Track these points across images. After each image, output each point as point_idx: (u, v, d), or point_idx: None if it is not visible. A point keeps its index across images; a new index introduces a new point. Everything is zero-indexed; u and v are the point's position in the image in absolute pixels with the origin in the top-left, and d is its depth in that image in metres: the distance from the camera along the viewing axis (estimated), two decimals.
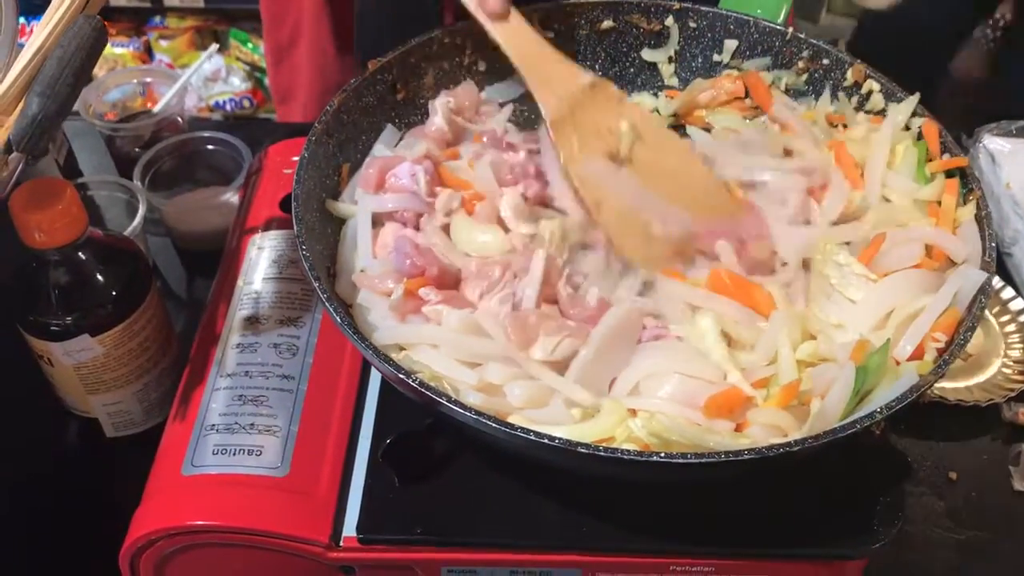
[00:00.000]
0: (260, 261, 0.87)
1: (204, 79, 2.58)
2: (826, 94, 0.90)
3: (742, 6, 0.94)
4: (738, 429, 0.66)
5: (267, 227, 0.90)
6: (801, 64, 0.91)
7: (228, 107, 2.61)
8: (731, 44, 0.94)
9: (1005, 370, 0.94)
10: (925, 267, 0.74)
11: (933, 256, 0.75)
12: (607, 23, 0.94)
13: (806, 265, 0.77)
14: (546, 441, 0.59)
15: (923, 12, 1.67)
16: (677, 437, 0.63)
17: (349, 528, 0.69)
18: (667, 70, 0.96)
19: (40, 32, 0.65)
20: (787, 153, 0.84)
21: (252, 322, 0.81)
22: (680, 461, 0.59)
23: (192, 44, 2.60)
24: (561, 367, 0.69)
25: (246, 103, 2.62)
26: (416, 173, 0.78)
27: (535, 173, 0.80)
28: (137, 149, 1.10)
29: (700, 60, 0.95)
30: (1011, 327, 0.97)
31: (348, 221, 0.80)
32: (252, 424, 0.73)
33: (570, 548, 0.70)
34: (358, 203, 0.80)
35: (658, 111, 0.94)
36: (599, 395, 0.68)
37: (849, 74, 0.89)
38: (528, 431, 0.59)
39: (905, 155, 0.82)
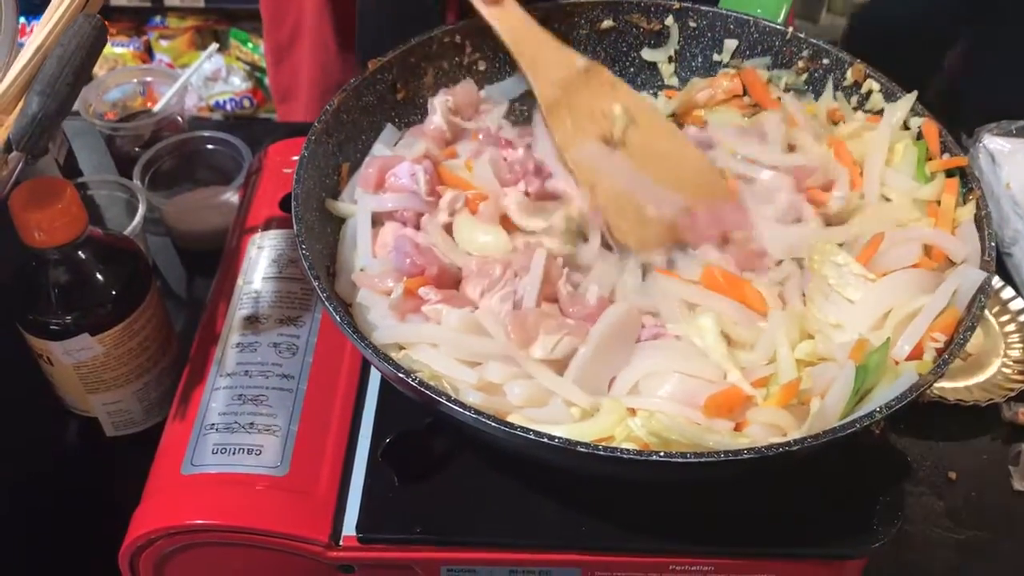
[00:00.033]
0: (260, 260, 0.87)
1: (204, 79, 2.58)
2: (826, 94, 0.90)
3: (742, 6, 0.94)
4: (738, 428, 0.66)
5: (267, 227, 0.90)
6: (801, 64, 0.91)
7: (228, 107, 2.61)
8: (731, 44, 0.93)
9: (1005, 370, 0.94)
10: (924, 267, 0.74)
11: (932, 256, 0.75)
12: (607, 23, 0.94)
13: (801, 264, 0.77)
14: (545, 440, 0.59)
15: (918, 9, 1.66)
16: (677, 436, 0.63)
17: (349, 527, 0.69)
18: (667, 70, 0.96)
19: (40, 31, 0.65)
20: (790, 148, 0.83)
21: (252, 321, 0.81)
22: (679, 460, 0.59)
23: (192, 44, 2.61)
24: (561, 366, 0.69)
25: (246, 103, 2.62)
26: (416, 172, 0.78)
27: (535, 169, 0.80)
28: (137, 149, 1.10)
29: (700, 60, 0.95)
30: (1011, 327, 0.97)
31: (348, 220, 0.80)
32: (252, 423, 0.73)
33: (570, 547, 0.70)
34: (358, 202, 0.80)
35: None
36: (598, 394, 0.68)
37: (849, 74, 0.89)
38: (527, 430, 0.59)
39: (905, 154, 0.82)
